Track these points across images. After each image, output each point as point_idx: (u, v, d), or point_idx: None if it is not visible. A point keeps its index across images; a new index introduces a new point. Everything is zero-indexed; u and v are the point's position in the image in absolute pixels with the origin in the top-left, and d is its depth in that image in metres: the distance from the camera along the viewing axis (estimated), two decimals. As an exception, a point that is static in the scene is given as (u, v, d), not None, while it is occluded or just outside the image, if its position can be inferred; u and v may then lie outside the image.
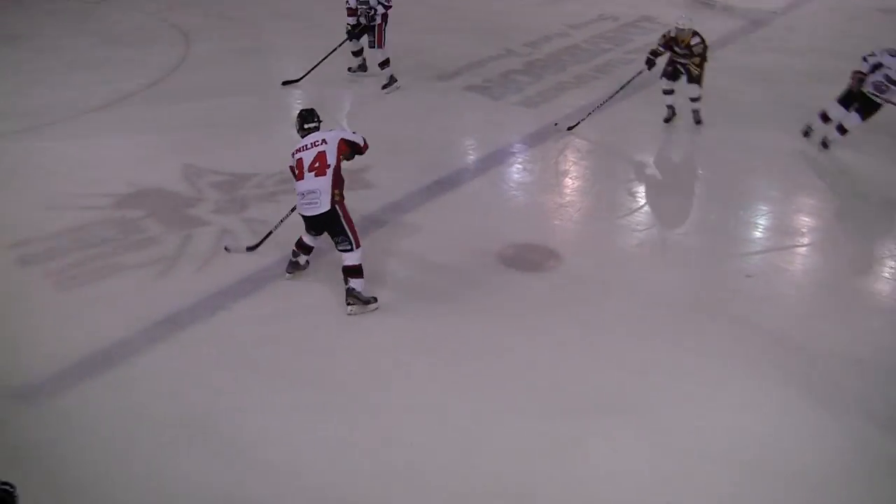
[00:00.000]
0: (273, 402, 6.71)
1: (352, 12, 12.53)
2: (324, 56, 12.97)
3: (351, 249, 7.72)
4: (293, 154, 7.88)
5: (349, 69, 13.34)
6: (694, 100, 11.69)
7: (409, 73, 13.44)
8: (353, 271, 7.75)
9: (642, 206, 9.88)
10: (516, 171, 10.74)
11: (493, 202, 9.94)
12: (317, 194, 7.60)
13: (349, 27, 12.68)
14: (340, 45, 12.95)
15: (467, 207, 9.77)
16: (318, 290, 8.09)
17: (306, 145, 7.81)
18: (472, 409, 6.63)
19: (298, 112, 8.19)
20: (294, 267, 8.21)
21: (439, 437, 6.39)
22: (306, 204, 7.67)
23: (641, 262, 8.76)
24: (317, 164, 7.64)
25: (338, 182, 7.65)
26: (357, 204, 9.41)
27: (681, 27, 11.17)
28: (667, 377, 7.03)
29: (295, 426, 6.46)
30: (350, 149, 7.87)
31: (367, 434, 6.38)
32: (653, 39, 15.21)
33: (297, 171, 7.79)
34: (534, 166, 10.84)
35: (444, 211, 9.63)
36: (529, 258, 8.75)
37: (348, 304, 7.72)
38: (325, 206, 7.59)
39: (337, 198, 7.61)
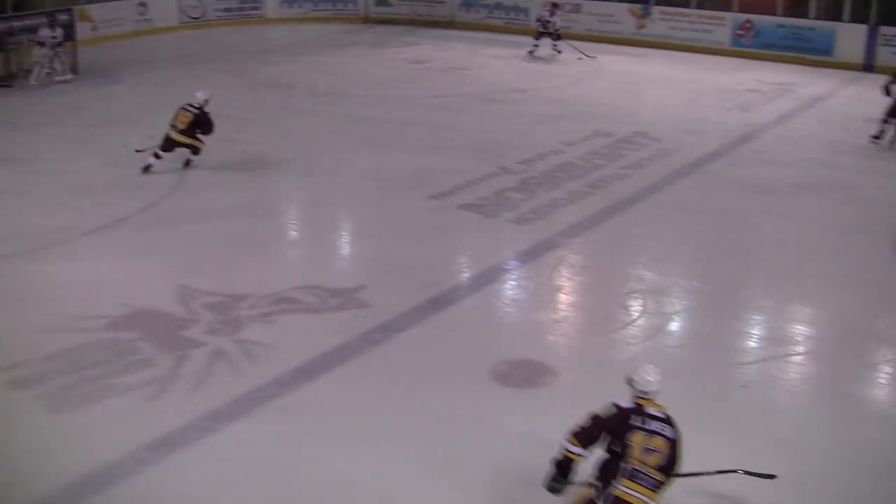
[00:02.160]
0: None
1: None
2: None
3: None
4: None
5: None
6: None
7: (405, 191, 13.59)
8: None
9: (636, 320, 9.87)
10: (510, 287, 10.78)
11: (487, 319, 9.96)
12: None
13: None
14: None
15: (461, 325, 9.78)
16: (314, 412, 8.04)
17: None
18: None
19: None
20: None
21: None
22: None
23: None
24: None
25: None
26: (351, 323, 9.50)
27: None
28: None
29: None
30: None
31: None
32: (646, 155, 15.54)
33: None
34: (528, 283, 10.89)
35: (439, 329, 9.64)
36: (523, 374, 8.72)
37: None
38: None
39: None
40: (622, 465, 6.07)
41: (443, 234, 12.23)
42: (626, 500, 5.98)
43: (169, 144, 14.12)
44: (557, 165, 15.09)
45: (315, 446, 7.57)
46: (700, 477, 6.70)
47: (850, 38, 25.27)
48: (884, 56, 24.42)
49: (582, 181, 14.32)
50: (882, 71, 21.57)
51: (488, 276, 10.95)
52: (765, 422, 7.97)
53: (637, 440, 6.07)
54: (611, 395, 8.07)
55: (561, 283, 10.86)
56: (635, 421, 6.15)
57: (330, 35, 27.65)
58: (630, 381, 6.35)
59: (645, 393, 6.28)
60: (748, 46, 26.43)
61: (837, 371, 9.08)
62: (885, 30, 24.82)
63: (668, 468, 6.10)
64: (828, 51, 25.58)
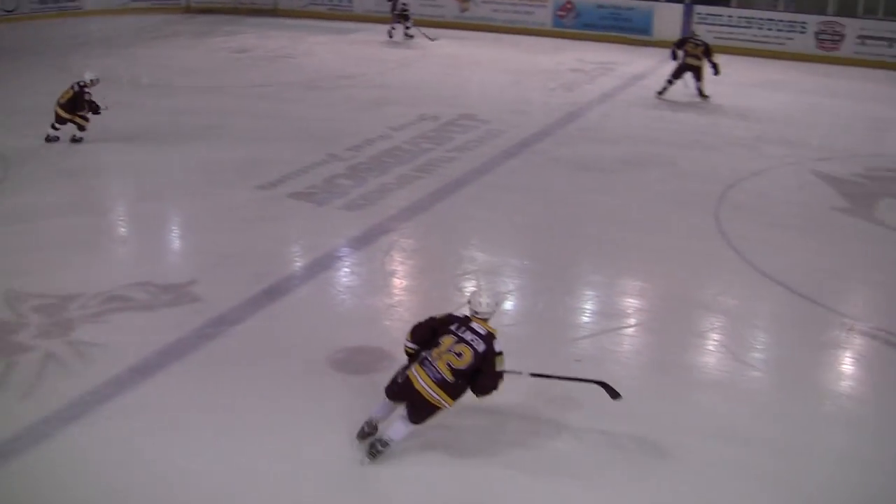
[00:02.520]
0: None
1: None
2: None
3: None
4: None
5: None
6: None
7: (233, 183, 13.35)
8: None
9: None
10: (344, 274, 10.68)
11: (322, 307, 9.83)
12: None
13: None
14: None
15: (297, 315, 9.62)
16: (152, 410, 7.81)
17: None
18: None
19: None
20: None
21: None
22: None
23: (473, 356, 8.77)
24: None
25: None
26: (185, 319, 9.26)
27: None
28: (510, 459, 7.02)
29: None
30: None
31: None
32: (474, 136, 15.64)
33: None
34: (361, 269, 10.81)
35: (274, 320, 9.45)
36: (361, 361, 8.63)
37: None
38: None
39: None
40: (422, 353, 7.12)
41: (273, 223, 12.03)
42: (411, 381, 6.98)
43: (55, 118, 15.02)
44: (386, 150, 15.06)
45: (155, 444, 7.32)
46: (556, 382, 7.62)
47: (667, 17, 26.10)
48: (699, 33, 25.14)
49: (411, 165, 14.33)
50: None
51: (322, 264, 10.83)
52: (600, 394, 8.09)
53: (446, 341, 7.04)
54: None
55: (394, 268, 10.82)
56: (454, 327, 7.11)
57: (151, 26, 27.09)
58: (468, 300, 7.24)
59: (476, 312, 7.15)
60: (569, 27, 26.97)
61: (668, 341, 9.30)
62: (699, 8, 25.69)
63: (464, 374, 6.94)
64: (646, 30, 26.34)
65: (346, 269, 10.79)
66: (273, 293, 9.99)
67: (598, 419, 7.72)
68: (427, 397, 6.93)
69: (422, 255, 11.35)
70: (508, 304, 9.97)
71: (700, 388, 8.54)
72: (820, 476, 7.25)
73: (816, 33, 25.06)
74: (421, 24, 26.19)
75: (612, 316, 9.78)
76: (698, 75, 19.43)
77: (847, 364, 9.14)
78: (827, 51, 25.19)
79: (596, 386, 7.51)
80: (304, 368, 8.43)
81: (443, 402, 6.96)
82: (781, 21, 25.37)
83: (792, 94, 21.26)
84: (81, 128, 15.12)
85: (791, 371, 8.88)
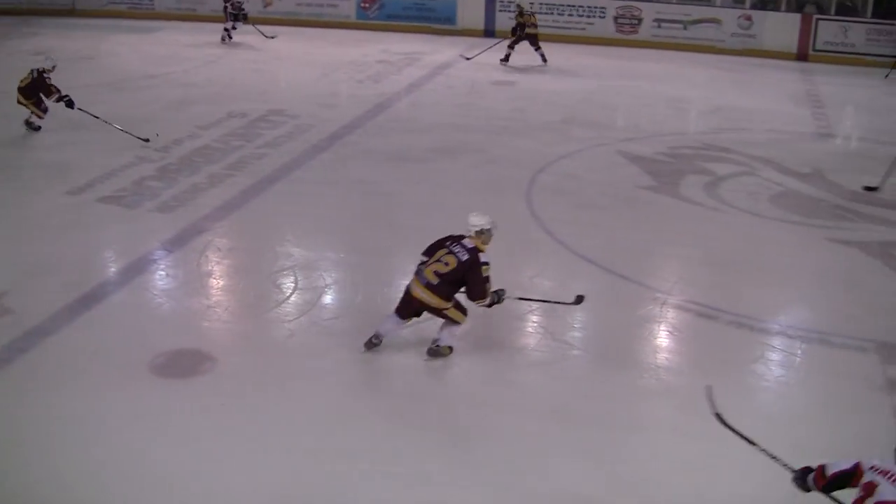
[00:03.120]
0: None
1: None
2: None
3: None
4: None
5: None
6: None
7: (40, 189, 12.98)
8: None
9: (289, 297, 9.92)
10: (159, 277, 10.50)
11: (139, 313, 9.64)
12: None
13: None
14: None
15: (114, 321, 9.43)
16: None
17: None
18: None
19: None
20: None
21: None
22: None
23: (298, 352, 8.83)
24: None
25: None
26: (-5, 332, 8.98)
27: None
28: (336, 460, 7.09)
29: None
30: None
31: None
32: (283, 132, 15.62)
33: None
34: (177, 271, 10.66)
35: (90, 329, 9.23)
36: (183, 364, 8.55)
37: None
38: None
39: None
40: (419, 266, 8.55)
41: (84, 229, 11.73)
42: (410, 291, 8.52)
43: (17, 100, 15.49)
44: (195, 150, 14.87)
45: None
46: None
47: (470, 5, 26.53)
48: (502, 21, 25.71)
49: (221, 164, 14.20)
50: (503, 35, 22.97)
51: (136, 268, 10.63)
52: (422, 380, 8.26)
53: (438, 253, 8.45)
54: (268, 374, 8.20)
55: (211, 268, 10.71)
56: (448, 242, 8.51)
57: (-63, 30, 25.94)
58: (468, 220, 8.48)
59: (470, 229, 8.44)
60: (374, 19, 27.09)
61: (488, 325, 9.43)
62: (503, -3, 26.17)
63: (448, 278, 8.29)
64: (451, 19, 26.64)
65: (162, 272, 10.62)
66: (88, 301, 9.76)
67: (419, 403, 7.89)
68: (423, 300, 8.41)
69: (237, 254, 11.28)
70: (328, 298, 10.02)
71: (524, 369, 8.81)
72: (646, 448, 7.56)
73: (615, 17, 25.85)
74: (223, 20, 25.94)
75: (431, 304, 9.90)
76: (536, 43, 22.47)
77: (662, 337, 9.55)
78: (626, 34, 26.02)
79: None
80: (125, 376, 8.29)
81: (437, 301, 8.39)
82: (581, 6, 26.03)
83: (595, 78, 21.92)
84: (38, 115, 15.62)
85: (610, 347, 9.25)
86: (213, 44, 24.16)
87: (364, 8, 27.14)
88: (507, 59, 22.61)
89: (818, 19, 25.23)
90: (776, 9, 25.90)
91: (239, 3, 24.59)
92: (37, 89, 15.32)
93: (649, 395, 8.44)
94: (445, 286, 8.33)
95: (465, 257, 8.28)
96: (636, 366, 8.89)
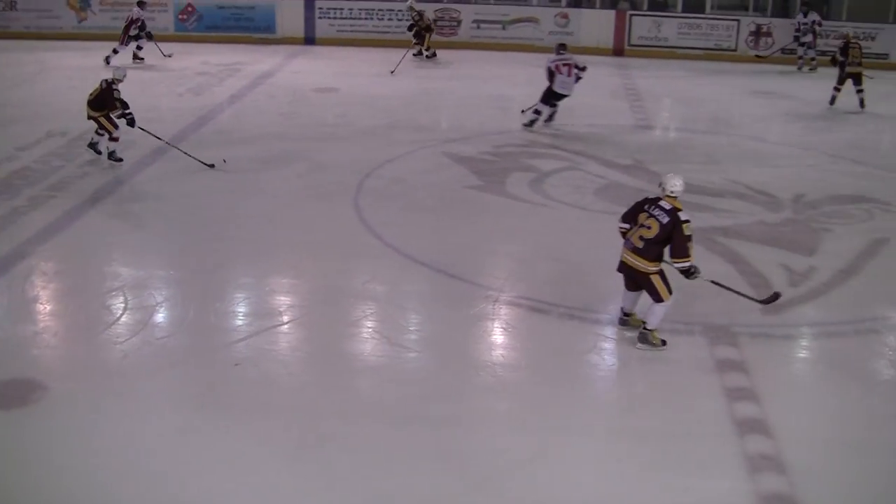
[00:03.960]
0: None
1: None
2: None
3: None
4: None
5: None
6: None
7: None
8: None
9: (119, 318, 9.68)
10: (-19, 305, 10.18)
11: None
12: None
13: None
14: None
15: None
16: None
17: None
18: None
19: None
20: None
21: None
22: None
23: (133, 373, 8.63)
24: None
25: None
26: None
27: None
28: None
29: None
30: None
31: None
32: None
33: None
34: (1, 298, 10.31)
35: None
36: (13, 395, 8.23)
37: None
38: None
39: None
40: (621, 233, 9.30)
41: None
42: (623, 261, 9.21)
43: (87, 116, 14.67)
44: (14, 172, 14.37)
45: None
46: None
47: (289, 14, 26.44)
48: (323, 28, 25.79)
49: (42, 185, 13.77)
50: (322, 42, 22.96)
51: (-44, 298, 10.28)
52: (263, 392, 8.23)
53: (640, 218, 9.04)
54: (104, 400, 8.05)
55: (37, 293, 10.38)
56: (647, 207, 9.06)
57: None
58: (660, 183, 9.09)
59: (665, 192, 8.96)
60: (192, 30, 26.74)
61: (323, 333, 9.51)
62: (320, 3, 26.15)
63: (654, 241, 8.87)
64: (270, 28, 26.52)
65: (-16, 300, 10.29)
66: None
67: (261, 416, 7.87)
68: (632, 265, 9.05)
69: (64, 276, 10.99)
70: (160, 316, 9.86)
71: (361, 374, 8.89)
72: (490, 444, 7.68)
73: (434, 20, 26.04)
74: (37, 36, 25.21)
75: (265, 315, 9.86)
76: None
77: (497, 334, 9.75)
78: (446, 36, 26.32)
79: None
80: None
81: (644, 265, 8.96)
82: (400, 10, 26.16)
83: (417, 81, 22.16)
84: (108, 134, 14.70)
85: (445, 348, 9.37)
86: (27, 62, 23.41)
87: (182, 20, 26.75)
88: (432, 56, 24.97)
89: (632, 15, 26.16)
90: (591, 6, 26.66)
91: (143, 22, 23.64)
92: (104, 101, 14.49)
93: (486, 392, 8.59)
94: (652, 246, 8.90)
95: (665, 220, 8.84)
96: (472, 364, 9.02)
